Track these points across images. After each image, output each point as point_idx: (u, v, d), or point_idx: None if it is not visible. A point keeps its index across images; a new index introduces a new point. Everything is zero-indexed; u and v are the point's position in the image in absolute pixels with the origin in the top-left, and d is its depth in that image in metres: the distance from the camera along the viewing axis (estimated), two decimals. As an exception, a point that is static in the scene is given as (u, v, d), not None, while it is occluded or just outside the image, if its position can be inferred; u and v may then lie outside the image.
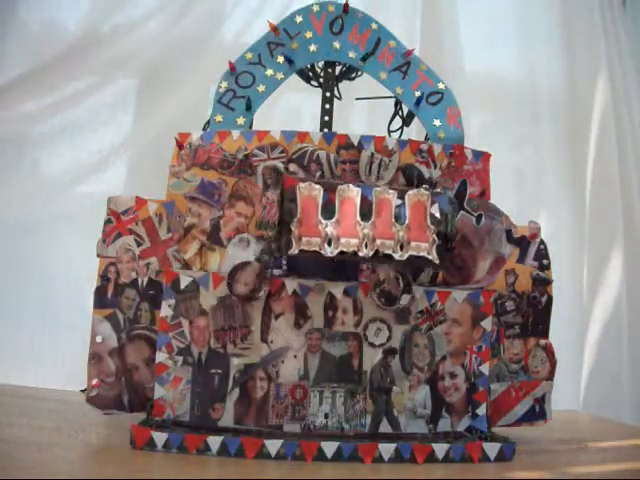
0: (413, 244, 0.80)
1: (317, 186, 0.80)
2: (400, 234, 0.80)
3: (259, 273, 0.84)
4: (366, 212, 0.80)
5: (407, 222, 0.80)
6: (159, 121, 1.38)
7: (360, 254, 0.78)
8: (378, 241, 0.79)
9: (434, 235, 0.80)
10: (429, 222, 0.81)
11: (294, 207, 0.79)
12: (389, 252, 0.79)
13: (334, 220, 0.79)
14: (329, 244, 0.78)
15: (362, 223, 0.79)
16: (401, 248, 0.79)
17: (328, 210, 0.79)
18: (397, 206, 0.81)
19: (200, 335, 0.84)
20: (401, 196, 0.81)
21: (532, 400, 0.95)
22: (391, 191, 0.81)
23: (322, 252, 0.78)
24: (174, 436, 0.77)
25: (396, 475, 0.75)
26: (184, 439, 0.77)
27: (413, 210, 0.81)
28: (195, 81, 1.40)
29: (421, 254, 0.80)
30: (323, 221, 0.79)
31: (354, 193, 0.80)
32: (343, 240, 0.78)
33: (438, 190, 0.85)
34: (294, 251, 0.77)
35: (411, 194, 0.81)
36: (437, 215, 0.81)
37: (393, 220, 0.80)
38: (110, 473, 0.69)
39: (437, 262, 0.80)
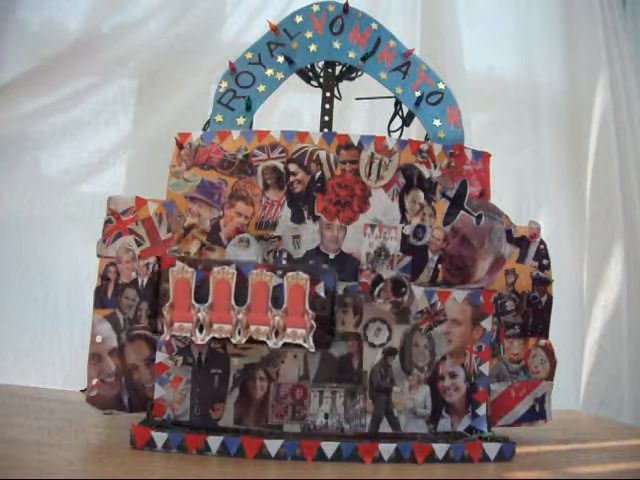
0: (289, 330, 0.78)
1: (190, 268, 0.78)
2: (276, 319, 0.78)
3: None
4: (242, 295, 0.78)
5: (285, 306, 0.79)
6: (159, 121, 1.38)
7: (233, 341, 0.78)
8: (252, 327, 0.78)
9: (312, 321, 0.79)
10: (307, 307, 0.79)
11: (169, 288, 0.78)
12: (263, 339, 0.78)
13: (207, 305, 0.78)
14: (200, 330, 0.77)
15: (236, 308, 0.78)
16: (276, 335, 0.78)
17: (202, 292, 0.78)
18: (276, 286, 0.79)
19: (200, 335, 0.84)
20: (281, 276, 0.79)
21: (532, 400, 0.95)
22: (268, 273, 0.79)
23: (192, 339, 0.77)
24: (174, 436, 0.77)
25: (396, 475, 0.75)
26: (184, 439, 0.77)
27: (292, 292, 0.79)
28: (195, 81, 1.40)
29: (296, 342, 0.78)
30: (196, 305, 0.78)
31: (229, 275, 0.79)
32: (216, 326, 0.77)
33: (324, 268, 0.83)
34: (165, 337, 0.78)
35: (290, 276, 0.80)
36: (322, 294, 0.80)
37: (269, 304, 0.79)
38: (110, 473, 0.69)
39: (312, 350, 0.79)
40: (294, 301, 0.79)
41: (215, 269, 0.78)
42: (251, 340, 0.77)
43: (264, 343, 0.78)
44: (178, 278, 0.78)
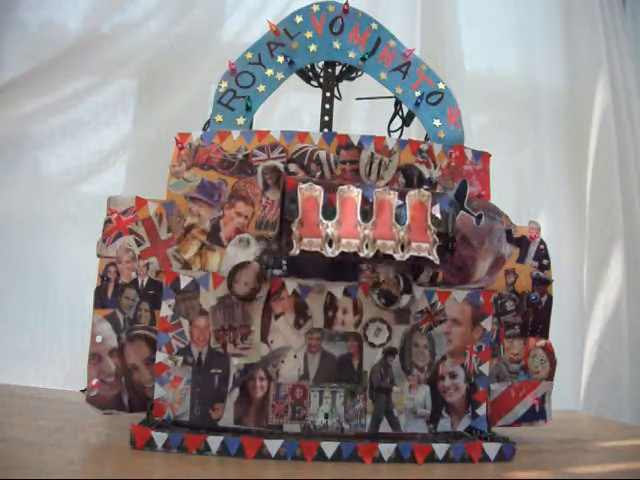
0: (414, 244, 0.79)
1: (318, 187, 0.80)
2: (401, 234, 0.79)
3: (259, 273, 0.84)
4: (367, 213, 0.80)
5: (408, 223, 0.80)
6: (159, 121, 1.38)
7: (361, 255, 0.78)
8: (379, 242, 0.79)
9: (435, 235, 0.80)
10: (430, 223, 0.81)
11: (295, 208, 0.78)
12: (390, 252, 0.79)
13: (335, 220, 0.79)
14: (330, 244, 0.78)
15: (363, 224, 0.79)
16: (402, 249, 0.79)
17: (329, 211, 0.79)
18: (398, 207, 0.81)
19: (200, 335, 0.84)
20: (402, 196, 0.81)
21: (532, 400, 0.95)
22: (392, 192, 0.81)
23: (323, 252, 0.77)
24: (174, 436, 0.77)
25: (396, 475, 0.75)
26: (184, 439, 0.77)
27: (414, 211, 0.81)
28: (195, 81, 1.40)
29: (422, 254, 0.79)
30: (324, 221, 0.79)
31: (355, 194, 0.80)
32: (344, 241, 0.78)
33: (439, 191, 0.84)
34: (295, 251, 0.77)
35: (412, 194, 0.81)
36: (438, 216, 0.81)
37: (394, 221, 0.80)
38: (110, 473, 0.69)
39: (437, 262, 0.80)
40: (416, 218, 0.81)
41: (341, 187, 0.80)
42: (377, 255, 0.78)
43: (390, 257, 0.79)
44: (306, 196, 0.79)
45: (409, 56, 0.99)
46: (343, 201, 0.80)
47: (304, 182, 0.80)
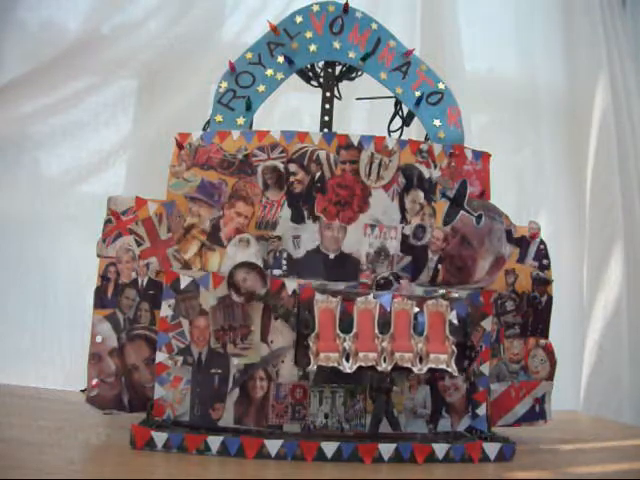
0: (432, 356, 0.79)
1: (334, 299, 0.79)
2: (419, 346, 0.79)
3: (259, 273, 0.84)
4: (385, 324, 0.79)
5: (426, 333, 0.80)
6: (159, 121, 1.38)
7: (379, 369, 0.78)
8: (397, 354, 0.78)
9: (453, 346, 0.80)
10: (447, 333, 0.81)
11: (311, 319, 0.79)
12: (408, 365, 0.79)
13: (352, 334, 0.78)
14: (347, 359, 0.78)
15: (380, 336, 0.79)
16: (420, 361, 0.79)
17: (346, 323, 0.79)
18: (415, 314, 0.80)
19: (200, 335, 0.84)
20: (419, 304, 0.81)
21: (532, 400, 0.95)
22: (409, 301, 0.80)
23: (340, 368, 0.77)
24: (174, 436, 0.77)
25: (396, 475, 0.75)
26: (184, 439, 0.77)
27: (432, 319, 0.81)
28: (195, 81, 1.40)
29: (440, 367, 0.79)
30: (341, 335, 0.78)
31: (372, 305, 0.80)
32: (361, 355, 0.78)
33: (455, 296, 0.84)
34: (312, 367, 0.77)
35: (430, 304, 0.81)
36: (455, 322, 0.81)
37: (412, 332, 0.80)
38: (110, 473, 0.69)
39: (456, 374, 0.80)
40: (435, 328, 0.80)
41: (358, 300, 0.79)
42: (395, 367, 0.78)
43: (408, 370, 0.79)
44: (322, 308, 0.78)
45: (409, 56, 0.99)
46: (360, 312, 0.79)
47: (321, 292, 0.80)
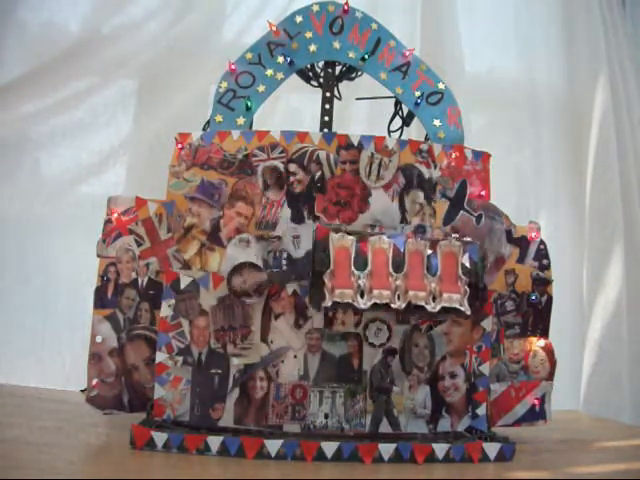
0: (445, 295, 0.80)
1: (350, 237, 0.80)
2: (432, 286, 0.80)
3: (259, 273, 0.84)
4: (398, 263, 0.80)
5: (439, 273, 0.81)
6: (159, 121, 1.38)
7: (393, 306, 0.78)
8: (411, 293, 0.79)
9: (466, 286, 0.81)
10: (460, 273, 0.81)
11: (326, 257, 0.79)
12: (422, 304, 0.79)
13: (367, 272, 0.79)
14: (362, 296, 0.78)
15: (394, 274, 0.79)
16: (433, 300, 0.80)
17: (360, 261, 0.79)
18: (428, 256, 0.81)
19: (200, 335, 0.84)
20: (433, 246, 0.81)
21: (532, 400, 0.95)
22: (422, 242, 0.81)
23: (355, 304, 0.77)
24: (174, 436, 0.77)
25: (396, 475, 0.75)
26: (184, 439, 0.77)
27: (445, 261, 0.81)
28: (195, 81, 1.40)
29: (453, 305, 0.80)
30: (356, 272, 0.79)
31: (386, 244, 0.80)
32: (376, 292, 0.79)
33: (469, 240, 0.85)
34: (327, 303, 0.78)
35: (443, 244, 0.82)
36: (467, 265, 0.82)
37: (425, 271, 0.80)
38: (110, 473, 0.69)
39: (468, 313, 0.81)
40: (447, 268, 0.81)
41: (372, 238, 0.80)
42: (408, 306, 0.78)
43: (422, 308, 0.79)
44: (338, 246, 0.79)
45: (409, 56, 0.99)
46: (375, 251, 0.80)
47: (336, 232, 0.80)
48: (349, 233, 0.81)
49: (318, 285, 0.79)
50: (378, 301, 0.78)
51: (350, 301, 0.78)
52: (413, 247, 0.81)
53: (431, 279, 0.80)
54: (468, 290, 0.81)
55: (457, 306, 0.80)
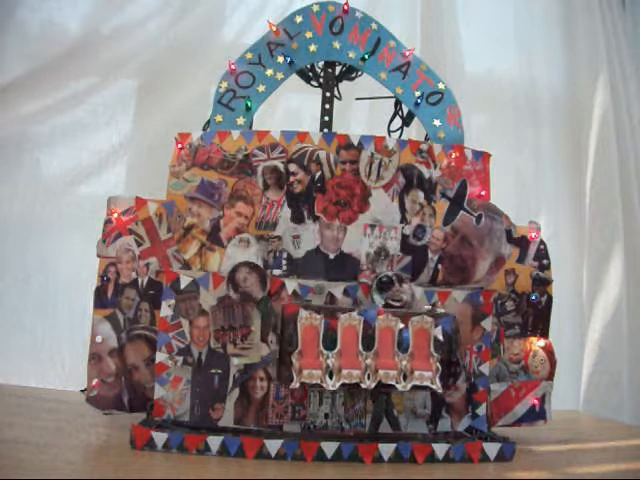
0: (416, 373, 0.78)
1: (318, 315, 0.78)
2: (403, 363, 0.78)
3: (260, 275, 0.84)
4: (369, 340, 0.78)
5: (410, 350, 0.79)
6: (159, 121, 1.38)
7: (362, 386, 0.77)
8: (381, 372, 0.78)
9: (437, 363, 0.79)
10: (432, 350, 0.80)
11: (295, 335, 0.77)
12: (392, 383, 0.78)
13: (336, 351, 0.78)
14: (330, 376, 0.77)
15: (364, 353, 0.78)
16: (404, 378, 0.78)
17: (329, 340, 0.78)
18: (400, 330, 0.79)
19: (200, 335, 0.84)
20: (404, 320, 0.80)
21: (532, 400, 0.95)
22: (393, 318, 0.79)
23: (323, 385, 0.76)
24: (174, 436, 0.77)
25: (396, 475, 0.75)
26: (184, 439, 0.77)
27: (416, 337, 0.80)
28: (195, 81, 1.40)
29: (424, 384, 0.78)
30: (324, 352, 0.77)
31: (356, 321, 0.79)
32: (345, 372, 0.77)
33: (440, 311, 0.84)
34: (295, 385, 0.76)
35: (415, 320, 0.80)
36: (440, 338, 0.80)
37: (396, 349, 0.79)
38: (110, 473, 0.69)
39: (440, 392, 0.79)
40: (419, 345, 0.79)
41: (342, 316, 0.78)
42: (379, 384, 0.77)
43: (391, 387, 0.78)
44: (306, 325, 0.77)
45: (409, 56, 0.99)
46: (344, 329, 0.78)
47: (304, 308, 0.78)
48: (320, 308, 0.80)
49: (286, 363, 0.77)
50: (347, 381, 0.77)
51: (319, 382, 0.76)
52: (384, 323, 0.79)
53: (402, 356, 0.78)
54: (440, 368, 0.79)
55: (428, 384, 0.78)
